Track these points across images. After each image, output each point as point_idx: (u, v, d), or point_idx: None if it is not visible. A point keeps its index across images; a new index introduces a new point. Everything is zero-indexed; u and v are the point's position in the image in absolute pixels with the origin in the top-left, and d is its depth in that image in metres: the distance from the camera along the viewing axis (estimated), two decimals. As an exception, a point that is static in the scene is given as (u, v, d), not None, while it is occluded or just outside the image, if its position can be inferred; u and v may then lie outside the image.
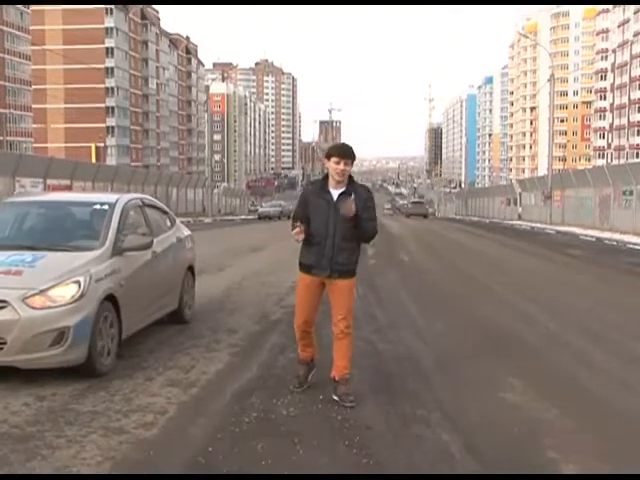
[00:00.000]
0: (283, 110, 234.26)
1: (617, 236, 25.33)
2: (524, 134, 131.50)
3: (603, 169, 34.03)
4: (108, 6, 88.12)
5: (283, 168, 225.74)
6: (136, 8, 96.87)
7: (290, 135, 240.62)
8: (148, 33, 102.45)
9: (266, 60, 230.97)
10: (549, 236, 28.88)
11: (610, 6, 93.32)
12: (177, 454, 4.02)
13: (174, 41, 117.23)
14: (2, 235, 6.38)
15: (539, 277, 13.71)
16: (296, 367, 5.41)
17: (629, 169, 28.99)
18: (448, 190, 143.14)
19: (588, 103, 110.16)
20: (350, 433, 4.37)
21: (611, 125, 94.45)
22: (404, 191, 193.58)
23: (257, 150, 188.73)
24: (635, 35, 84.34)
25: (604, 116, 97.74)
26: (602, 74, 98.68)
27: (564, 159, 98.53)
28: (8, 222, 6.60)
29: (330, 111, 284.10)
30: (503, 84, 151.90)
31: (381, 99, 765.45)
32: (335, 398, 4.96)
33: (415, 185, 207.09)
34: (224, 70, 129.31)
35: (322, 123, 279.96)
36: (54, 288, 5.33)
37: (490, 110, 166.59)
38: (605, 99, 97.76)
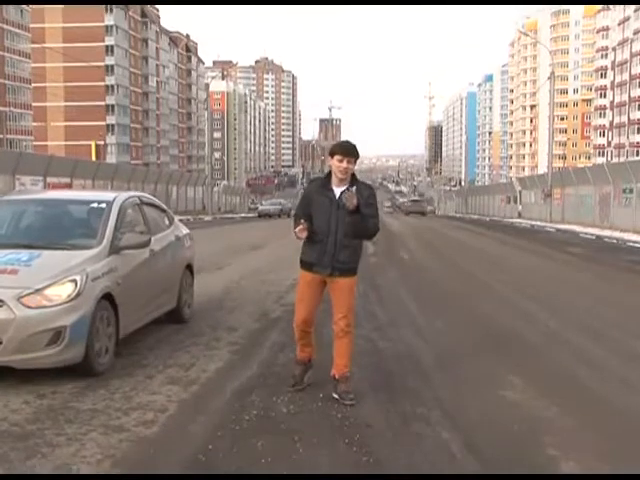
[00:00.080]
0: (283, 108, 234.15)
1: (617, 234, 25.32)
2: (524, 132, 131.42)
3: (603, 167, 34.01)
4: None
5: (283, 166, 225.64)
6: (136, 6, 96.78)
7: (290, 133, 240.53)
8: (148, 31, 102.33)
9: (266, 58, 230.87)
10: (549, 234, 28.87)
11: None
12: (177, 452, 4.02)
13: (174, 39, 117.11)
14: None
15: (539, 275, 13.71)
16: (293, 366, 5.38)
17: (629, 167, 28.97)
18: (448, 188, 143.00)
19: (588, 101, 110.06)
20: (350, 431, 4.37)
21: (611, 123, 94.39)
22: (404, 189, 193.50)
23: (257, 148, 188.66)
24: (635, 33, 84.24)
25: (604, 114, 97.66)
26: (602, 72, 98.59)
27: (564, 157, 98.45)
28: (5, 220, 6.54)
29: (330, 109, 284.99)
30: (503, 82, 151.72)
31: (381, 97, 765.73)
32: (335, 396, 4.96)
33: (415, 183, 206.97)
34: (224, 68, 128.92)
35: (322, 121, 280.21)
36: (50, 287, 5.27)
37: (490, 108, 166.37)
38: (605, 97, 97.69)
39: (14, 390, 5.08)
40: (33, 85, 75.30)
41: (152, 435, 4.26)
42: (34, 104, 75.80)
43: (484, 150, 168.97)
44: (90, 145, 71.74)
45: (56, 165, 33.07)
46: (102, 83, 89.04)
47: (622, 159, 74.18)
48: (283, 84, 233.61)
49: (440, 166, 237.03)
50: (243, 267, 13.63)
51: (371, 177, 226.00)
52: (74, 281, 5.36)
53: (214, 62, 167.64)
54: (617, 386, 5.58)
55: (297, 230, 4.92)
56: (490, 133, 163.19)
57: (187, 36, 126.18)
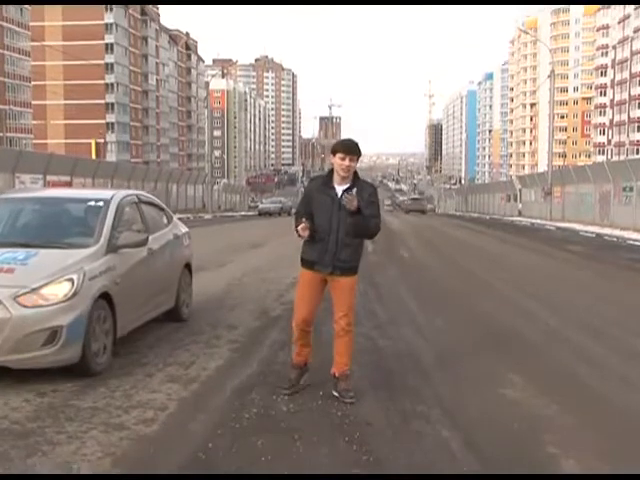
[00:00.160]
0: (283, 106, 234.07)
1: (617, 232, 25.31)
2: (524, 130, 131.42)
3: (603, 165, 33.97)
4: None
5: (283, 164, 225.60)
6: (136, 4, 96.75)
7: (290, 131, 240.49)
8: (148, 29, 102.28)
9: (266, 56, 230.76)
10: (549, 232, 28.87)
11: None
12: (177, 450, 4.02)
13: (174, 37, 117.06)
14: None
15: (539, 273, 13.71)
16: (288, 370, 5.27)
17: (629, 165, 28.96)
18: (448, 186, 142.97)
19: (588, 99, 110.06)
20: (350, 429, 4.37)
21: (611, 121, 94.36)
22: (404, 187, 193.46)
23: (257, 146, 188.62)
24: (635, 31, 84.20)
25: (604, 112, 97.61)
26: (602, 70, 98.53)
27: (564, 155, 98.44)
28: (1, 219, 6.46)
29: (330, 107, 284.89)
30: (503, 80, 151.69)
31: (381, 95, 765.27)
32: (335, 394, 4.96)
33: (415, 181, 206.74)
34: (224, 66, 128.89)
35: (322, 119, 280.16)
36: (46, 286, 5.22)
37: (490, 106, 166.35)
38: (605, 95, 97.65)
39: (14, 388, 5.07)
40: (33, 83, 75.32)
41: (152, 433, 4.26)
42: (34, 102, 75.83)
43: (484, 148, 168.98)
44: (90, 143, 71.68)
45: (56, 163, 33.02)
46: (102, 81, 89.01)
47: (622, 157, 74.14)
48: (283, 82, 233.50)
49: (440, 164, 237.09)
50: (243, 265, 13.62)
51: (371, 175, 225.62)
52: (71, 280, 5.30)
53: (214, 60, 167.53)
54: (617, 384, 5.58)
55: (299, 229, 4.90)
56: (490, 131, 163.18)
57: (187, 34, 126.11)
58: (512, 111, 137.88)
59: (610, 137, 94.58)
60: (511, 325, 8.01)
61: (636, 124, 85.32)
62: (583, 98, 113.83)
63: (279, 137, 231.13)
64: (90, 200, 6.66)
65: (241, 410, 4.68)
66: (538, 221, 36.75)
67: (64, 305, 5.19)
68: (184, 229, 8.38)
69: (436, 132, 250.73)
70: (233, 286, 10.60)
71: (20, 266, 5.40)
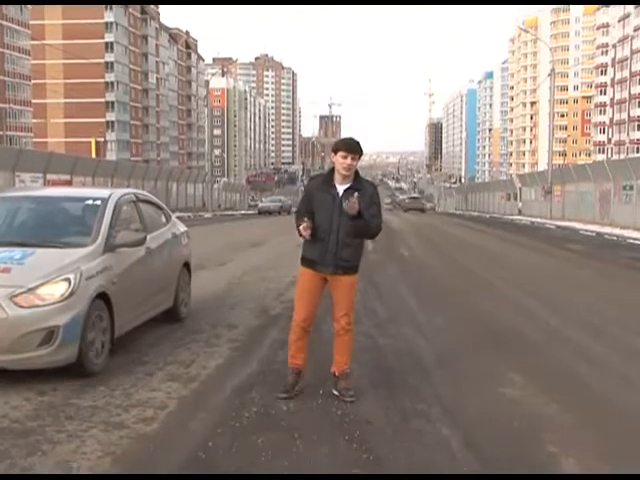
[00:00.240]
0: (283, 105, 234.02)
1: (617, 231, 25.32)
2: (524, 129, 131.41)
3: (603, 164, 33.97)
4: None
5: (283, 163, 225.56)
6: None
7: (290, 130, 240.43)
8: (148, 28, 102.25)
9: (266, 55, 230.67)
10: (549, 231, 28.86)
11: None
12: (177, 449, 4.02)
13: (174, 36, 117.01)
14: None
15: (539, 272, 13.70)
16: (286, 371, 5.20)
17: (629, 164, 28.97)
18: (448, 185, 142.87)
19: (588, 98, 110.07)
20: (350, 428, 4.37)
21: (611, 120, 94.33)
22: (404, 186, 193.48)
23: (257, 145, 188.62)
24: (635, 30, 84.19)
25: (604, 111, 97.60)
26: (602, 69, 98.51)
27: (564, 154, 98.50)
28: None
29: (330, 106, 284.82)
30: (503, 79, 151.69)
31: (381, 94, 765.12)
32: (335, 393, 4.96)
33: (415, 180, 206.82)
34: (224, 65, 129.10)
35: (322, 118, 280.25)
36: (43, 286, 5.17)
37: (490, 105, 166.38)
38: (605, 94, 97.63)
39: (15, 387, 5.07)
40: (33, 82, 75.30)
41: (152, 432, 4.26)
42: (34, 101, 75.80)
43: (484, 147, 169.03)
44: (90, 142, 71.52)
45: (56, 162, 33.01)
46: (102, 80, 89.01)
47: (622, 156, 74.19)
48: (283, 81, 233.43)
49: (440, 163, 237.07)
50: (243, 264, 13.62)
51: (371, 174, 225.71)
52: (67, 280, 5.25)
53: (214, 59, 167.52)
54: (617, 383, 5.58)
55: (301, 228, 4.86)
56: (490, 130, 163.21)
57: (187, 33, 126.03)
58: (512, 110, 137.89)
59: (610, 136, 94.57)
60: (511, 324, 8.00)
61: (636, 123, 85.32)
62: (583, 97, 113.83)
63: (279, 136, 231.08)
64: (87, 199, 6.58)
65: (241, 409, 4.68)
66: (538, 220, 36.75)
67: (61, 305, 5.14)
68: (183, 228, 8.32)
69: (436, 131, 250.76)
70: (233, 285, 10.60)
71: (16, 266, 5.35)
